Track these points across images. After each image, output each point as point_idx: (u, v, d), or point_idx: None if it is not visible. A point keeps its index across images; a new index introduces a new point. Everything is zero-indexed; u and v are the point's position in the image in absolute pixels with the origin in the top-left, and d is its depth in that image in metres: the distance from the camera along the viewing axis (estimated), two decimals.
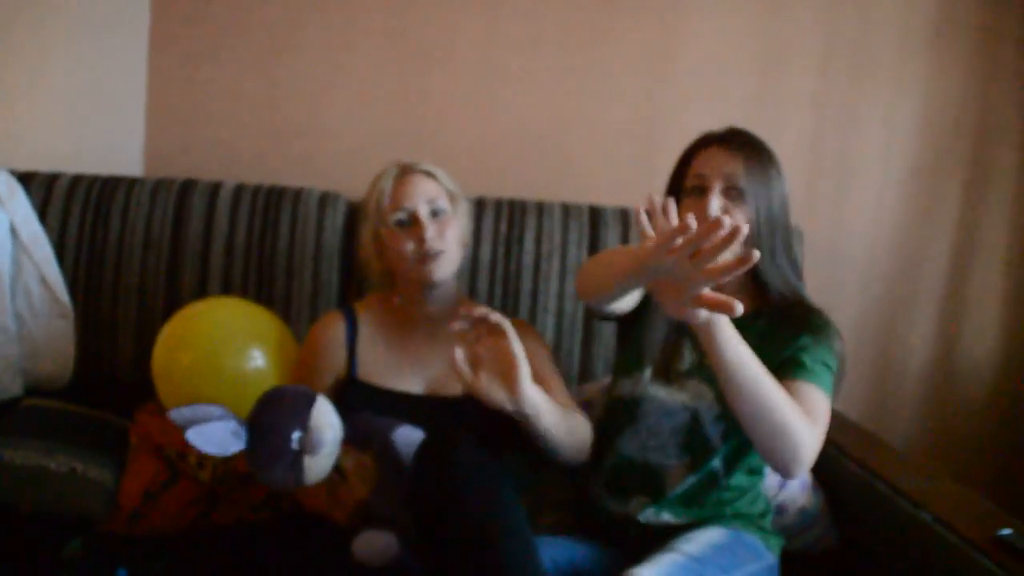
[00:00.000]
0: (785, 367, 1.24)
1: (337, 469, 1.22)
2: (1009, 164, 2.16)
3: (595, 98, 2.11)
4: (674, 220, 1.14)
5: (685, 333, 1.37)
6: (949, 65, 2.13)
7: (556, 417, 1.29)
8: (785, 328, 1.30)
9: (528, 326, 1.60)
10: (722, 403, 1.29)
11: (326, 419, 1.18)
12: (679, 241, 0.94)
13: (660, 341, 1.39)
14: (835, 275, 2.14)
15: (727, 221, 0.90)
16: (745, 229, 0.90)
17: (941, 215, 2.18)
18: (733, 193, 1.29)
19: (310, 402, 1.18)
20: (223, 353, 1.52)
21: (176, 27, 2.06)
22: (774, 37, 2.12)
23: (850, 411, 1.96)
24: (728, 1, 2.10)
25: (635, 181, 2.10)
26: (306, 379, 1.44)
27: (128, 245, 1.84)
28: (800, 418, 1.15)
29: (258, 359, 1.53)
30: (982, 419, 2.22)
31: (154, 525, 1.48)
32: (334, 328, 1.48)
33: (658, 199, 1.21)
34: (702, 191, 1.30)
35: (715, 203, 1.27)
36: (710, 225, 0.91)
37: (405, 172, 1.49)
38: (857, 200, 2.17)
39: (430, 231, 1.42)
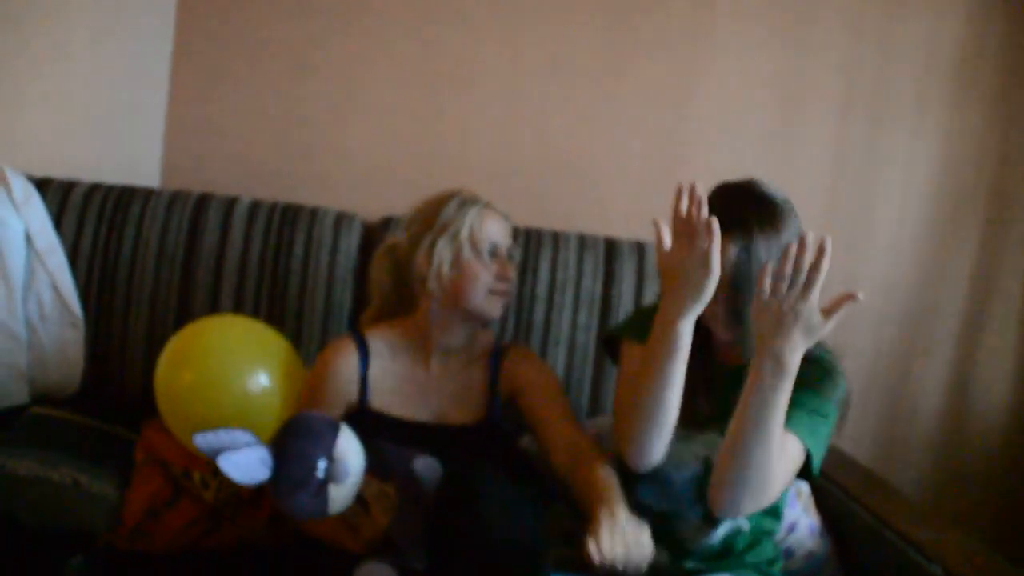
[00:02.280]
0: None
1: (359, 499, 1.21)
2: None
3: (615, 129, 2.11)
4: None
5: (702, 387, 1.32)
6: (969, 109, 2.13)
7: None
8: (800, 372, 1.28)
9: (531, 353, 1.60)
10: None
11: (352, 447, 1.17)
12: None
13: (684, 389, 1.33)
14: (849, 317, 2.11)
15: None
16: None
17: (958, 260, 2.18)
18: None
19: (336, 430, 1.17)
20: (227, 373, 1.50)
21: (200, 41, 2.06)
22: (796, 78, 2.12)
23: (860, 454, 1.95)
24: (751, 39, 2.10)
25: (651, 215, 2.09)
26: (316, 405, 1.43)
27: (142, 256, 1.83)
28: (770, 490, 1.18)
29: (263, 380, 1.51)
30: (992, 466, 2.21)
31: (156, 543, 1.46)
32: (346, 355, 1.47)
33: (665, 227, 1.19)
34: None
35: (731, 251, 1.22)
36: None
37: (488, 206, 1.49)
38: (873, 244, 2.16)
39: (513, 273, 1.48)
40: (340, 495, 1.14)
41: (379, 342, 1.50)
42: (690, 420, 1.31)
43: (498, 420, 1.50)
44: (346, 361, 1.46)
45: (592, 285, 1.87)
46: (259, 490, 1.40)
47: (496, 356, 1.52)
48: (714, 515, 1.25)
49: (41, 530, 1.45)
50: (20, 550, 1.38)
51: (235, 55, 2.07)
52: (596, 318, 1.86)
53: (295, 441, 1.14)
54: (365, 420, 1.40)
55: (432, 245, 1.44)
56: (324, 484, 1.12)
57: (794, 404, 1.19)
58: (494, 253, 1.45)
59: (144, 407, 1.68)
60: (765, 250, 1.21)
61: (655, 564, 1.31)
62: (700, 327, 1.26)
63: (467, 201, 1.47)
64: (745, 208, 1.23)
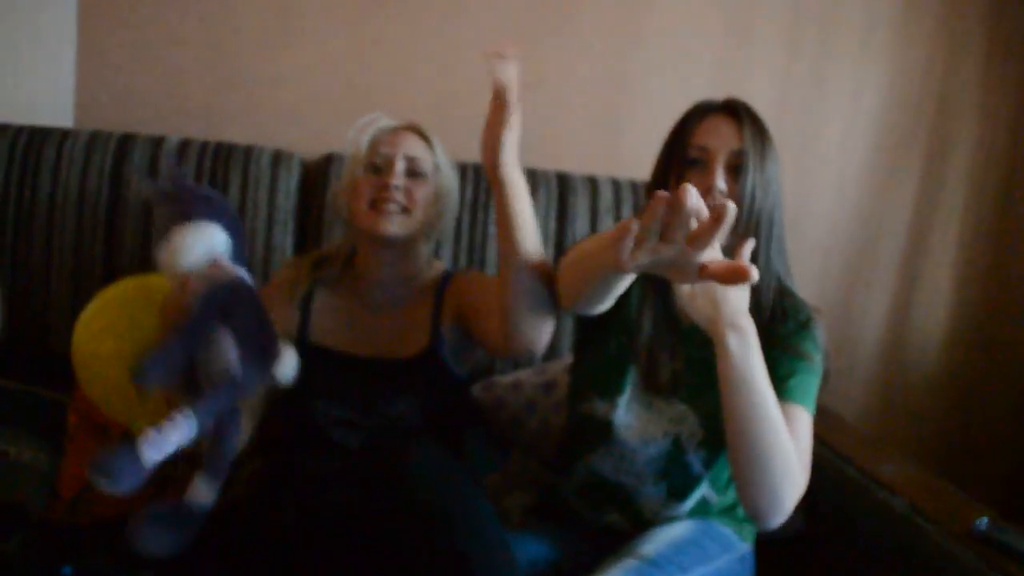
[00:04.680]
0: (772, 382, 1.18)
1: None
2: (968, 140, 2.18)
3: (561, 57, 2.02)
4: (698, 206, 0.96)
5: (667, 343, 1.27)
6: (914, 38, 2.12)
7: (527, 209, 1.18)
8: (768, 328, 1.21)
9: (475, 272, 1.61)
10: (706, 427, 1.24)
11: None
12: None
13: (643, 348, 1.28)
14: (795, 250, 2.11)
15: (731, 209, 0.79)
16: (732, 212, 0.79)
17: (900, 190, 2.19)
18: (735, 168, 1.20)
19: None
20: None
21: None
22: (744, 5, 2.06)
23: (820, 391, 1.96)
24: None
25: (603, 147, 2.05)
26: None
27: (60, 204, 1.69)
28: (796, 466, 1.11)
29: None
30: (931, 393, 2.26)
31: (98, 513, 1.37)
32: (293, 281, 1.46)
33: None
34: (704, 164, 1.21)
35: (720, 180, 1.18)
36: (714, 217, 0.79)
37: (401, 125, 1.44)
38: (819, 174, 2.15)
39: (397, 180, 1.36)
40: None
41: (325, 273, 1.48)
42: (656, 379, 1.27)
43: (441, 351, 1.42)
44: (291, 285, 1.45)
45: (545, 222, 1.80)
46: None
47: (442, 286, 1.47)
48: (762, 525, 1.15)
49: None
50: None
51: None
52: (552, 255, 1.79)
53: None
54: (304, 353, 1.31)
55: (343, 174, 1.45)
56: None
57: (786, 373, 1.17)
58: (378, 167, 1.39)
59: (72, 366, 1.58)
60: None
61: (612, 523, 1.29)
62: (661, 283, 1.23)
63: (374, 122, 1.44)
64: (738, 104, 1.24)
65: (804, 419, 1.17)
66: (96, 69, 1.91)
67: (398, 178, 1.36)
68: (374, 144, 1.41)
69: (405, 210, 1.37)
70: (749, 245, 0.89)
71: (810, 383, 1.20)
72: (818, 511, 1.56)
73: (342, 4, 1.95)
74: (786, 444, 1.10)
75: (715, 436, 1.22)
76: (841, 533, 1.52)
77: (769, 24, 2.07)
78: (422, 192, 1.39)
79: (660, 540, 1.21)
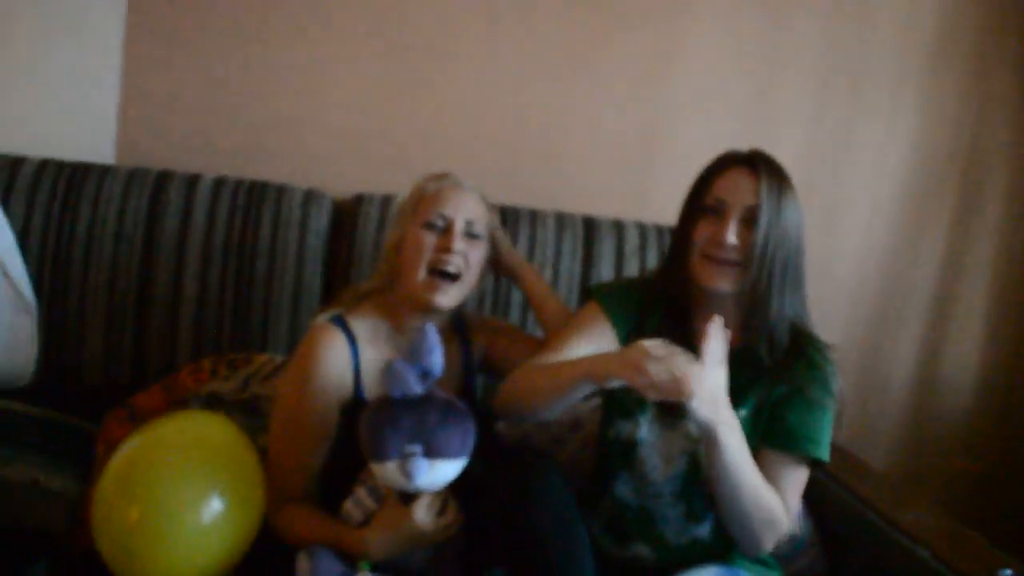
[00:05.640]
0: (775, 430, 1.24)
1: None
2: (998, 189, 2.18)
3: (591, 104, 2.05)
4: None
5: None
6: (945, 88, 2.14)
7: (542, 286, 1.45)
8: (780, 365, 1.26)
9: (492, 321, 1.61)
10: None
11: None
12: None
13: None
14: (823, 293, 2.11)
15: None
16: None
17: (930, 237, 2.19)
18: (750, 220, 1.24)
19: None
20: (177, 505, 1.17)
21: (156, 5, 1.94)
22: (774, 52, 2.09)
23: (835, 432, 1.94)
24: (729, 13, 2.06)
25: (630, 191, 2.06)
26: (306, 416, 1.30)
27: (98, 238, 1.74)
28: (779, 515, 1.20)
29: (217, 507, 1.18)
30: (962, 436, 2.24)
31: None
32: (336, 348, 1.33)
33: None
34: (719, 214, 1.25)
35: (731, 234, 1.23)
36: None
37: (457, 183, 1.40)
38: (848, 219, 2.16)
39: (459, 243, 1.33)
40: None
41: (363, 326, 1.37)
42: (673, 405, 1.27)
43: (475, 392, 1.46)
44: (337, 355, 1.32)
45: (571, 265, 1.83)
46: None
47: (462, 329, 1.48)
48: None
49: None
50: None
51: (195, 20, 1.95)
52: (575, 299, 1.81)
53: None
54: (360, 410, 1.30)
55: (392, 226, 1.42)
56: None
57: (797, 422, 1.23)
58: (436, 225, 1.34)
59: (104, 397, 1.61)
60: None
61: (639, 556, 1.30)
62: (680, 313, 1.31)
63: (429, 176, 1.41)
64: (759, 157, 1.30)
65: (802, 470, 1.25)
66: (138, 109, 1.96)
67: (459, 241, 1.33)
68: (436, 198, 1.37)
69: (458, 278, 1.34)
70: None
71: (821, 430, 1.24)
72: (843, 559, 1.55)
73: (374, 49, 1.99)
74: (767, 500, 1.19)
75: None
76: None
77: (798, 75, 2.10)
78: (476, 256, 1.36)
79: None
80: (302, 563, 1.18)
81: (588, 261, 1.83)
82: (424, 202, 1.37)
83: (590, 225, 1.86)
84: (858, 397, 2.19)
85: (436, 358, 1.16)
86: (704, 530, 1.30)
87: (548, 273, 1.80)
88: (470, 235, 1.35)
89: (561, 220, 1.86)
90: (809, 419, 1.24)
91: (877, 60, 2.11)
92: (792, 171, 2.04)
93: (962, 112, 2.14)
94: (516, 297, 1.79)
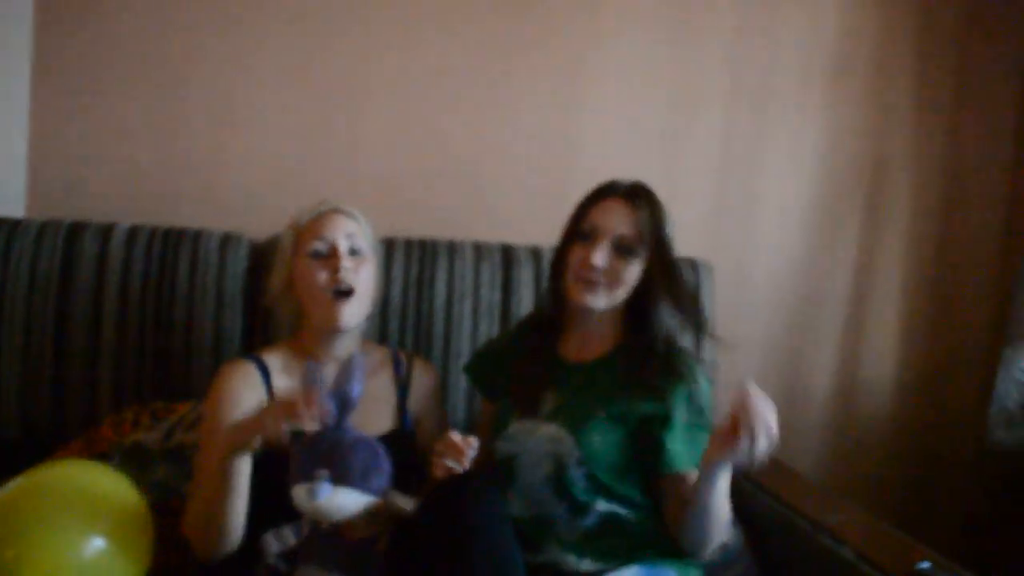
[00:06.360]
0: (663, 460, 1.32)
1: None
2: (903, 195, 2.27)
3: (505, 133, 2.09)
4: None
5: (551, 383, 1.41)
6: (848, 100, 2.22)
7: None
8: (648, 379, 1.35)
9: (433, 372, 1.62)
10: (583, 448, 1.33)
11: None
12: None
13: (525, 382, 1.43)
14: (743, 305, 2.19)
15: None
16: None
17: (841, 244, 2.26)
18: (623, 248, 1.35)
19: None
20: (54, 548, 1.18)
21: (62, 53, 1.92)
22: (683, 74, 2.15)
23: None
24: (638, 39, 2.11)
25: (546, 218, 2.07)
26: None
27: (11, 291, 1.72)
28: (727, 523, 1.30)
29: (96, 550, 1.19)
30: (883, 441, 2.31)
31: None
32: (246, 376, 1.41)
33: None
34: (592, 239, 1.36)
35: (599, 256, 1.34)
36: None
37: (329, 209, 1.48)
38: (762, 232, 2.22)
39: (347, 262, 1.40)
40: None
41: (276, 360, 1.46)
42: (536, 411, 1.39)
43: (408, 431, 1.50)
44: (247, 382, 1.40)
45: (490, 294, 1.85)
46: None
47: (398, 365, 1.53)
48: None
49: None
50: None
51: (100, 68, 1.94)
52: (497, 327, 1.84)
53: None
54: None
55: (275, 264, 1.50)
56: None
57: (683, 446, 1.33)
58: (327, 252, 1.42)
59: (22, 454, 1.58)
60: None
61: (555, 561, 1.34)
62: (551, 324, 1.45)
63: (302, 210, 1.50)
64: (636, 191, 1.40)
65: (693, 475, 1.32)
66: (47, 159, 1.94)
67: (346, 260, 1.41)
68: (313, 228, 1.45)
69: (353, 292, 1.40)
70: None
71: (698, 447, 1.30)
72: (769, 561, 1.59)
73: (290, 89, 2.00)
74: (725, 518, 1.28)
75: (592, 458, 1.33)
76: None
77: (707, 94, 2.16)
78: (365, 271, 1.44)
79: None
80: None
81: (507, 289, 1.86)
82: (304, 233, 1.45)
83: (508, 253, 1.89)
84: (783, 405, 2.24)
85: (355, 386, 1.20)
86: (591, 520, 1.35)
87: (468, 304, 1.83)
88: (353, 251, 1.44)
89: (479, 249, 1.88)
90: (693, 445, 1.33)
91: (783, 74, 2.18)
92: (707, 188, 2.15)
93: (865, 121, 2.23)
94: (437, 329, 1.82)
